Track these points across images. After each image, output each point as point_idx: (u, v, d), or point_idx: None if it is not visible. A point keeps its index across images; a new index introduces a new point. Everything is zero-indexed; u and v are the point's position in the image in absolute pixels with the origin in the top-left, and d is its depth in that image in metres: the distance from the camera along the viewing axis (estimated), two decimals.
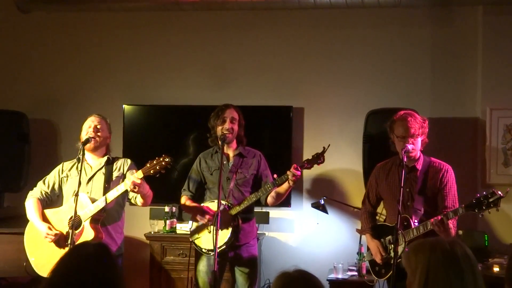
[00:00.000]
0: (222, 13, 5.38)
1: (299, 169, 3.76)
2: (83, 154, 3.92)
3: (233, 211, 3.95)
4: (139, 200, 3.89)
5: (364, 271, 4.66)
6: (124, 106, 5.37)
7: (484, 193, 3.41)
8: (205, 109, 5.28)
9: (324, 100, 5.27)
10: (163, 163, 3.68)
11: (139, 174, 3.72)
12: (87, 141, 3.93)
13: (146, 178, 3.76)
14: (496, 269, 4.27)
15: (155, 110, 5.44)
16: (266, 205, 4.13)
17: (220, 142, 3.98)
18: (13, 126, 5.19)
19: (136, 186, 3.69)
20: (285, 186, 3.88)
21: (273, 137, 5.24)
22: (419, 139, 3.78)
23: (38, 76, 5.64)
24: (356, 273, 4.70)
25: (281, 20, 5.34)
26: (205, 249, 4.00)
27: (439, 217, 3.51)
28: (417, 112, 3.96)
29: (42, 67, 5.64)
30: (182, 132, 5.30)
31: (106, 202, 3.80)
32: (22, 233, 4.09)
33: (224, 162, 4.02)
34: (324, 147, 3.80)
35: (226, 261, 4.05)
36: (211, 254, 3.89)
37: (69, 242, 3.68)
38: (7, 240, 4.60)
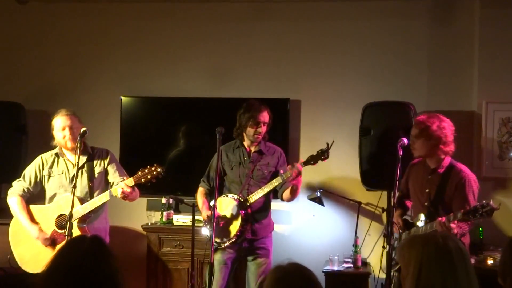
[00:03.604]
0: (221, 5, 5.37)
1: (302, 165, 3.90)
2: (80, 146, 3.86)
3: (248, 202, 4.06)
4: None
5: (359, 263, 4.70)
6: (121, 97, 5.36)
7: (484, 202, 3.48)
8: (203, 101, 5.33)
9: (321, 93, 5.28)
10: (154, 172, 3.69)
11: (130, 182, 3.72)
12: (85, 133, 3.89)
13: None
14: (490, 261, 4.32)
15: (153, 102, 5.43)
16: (283, 200, 4.25)
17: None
18: (11, 117, 5.18)
19: (126, 195, 3.72)
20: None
21: (270, 129, 5.23)
22: (423, 142, 3.82)
23: (36, 67, 5.62)
24: (351, 265, 4.73)
25: (278, 12, 5.33)
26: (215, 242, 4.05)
27: (443, 219, 3.57)
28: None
29: (39, 58, 5.62)
30: (179, 124, 5.30)
31: (97, 204, 3.84)
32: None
33: (245, 158, 4.18)
34: (328, 143, 3.87)
35: (240, 252, 4.18)
36: (222, 246, 4.06)
37: (66, 234, 3.70)
38: (1, 231, 4.59)
